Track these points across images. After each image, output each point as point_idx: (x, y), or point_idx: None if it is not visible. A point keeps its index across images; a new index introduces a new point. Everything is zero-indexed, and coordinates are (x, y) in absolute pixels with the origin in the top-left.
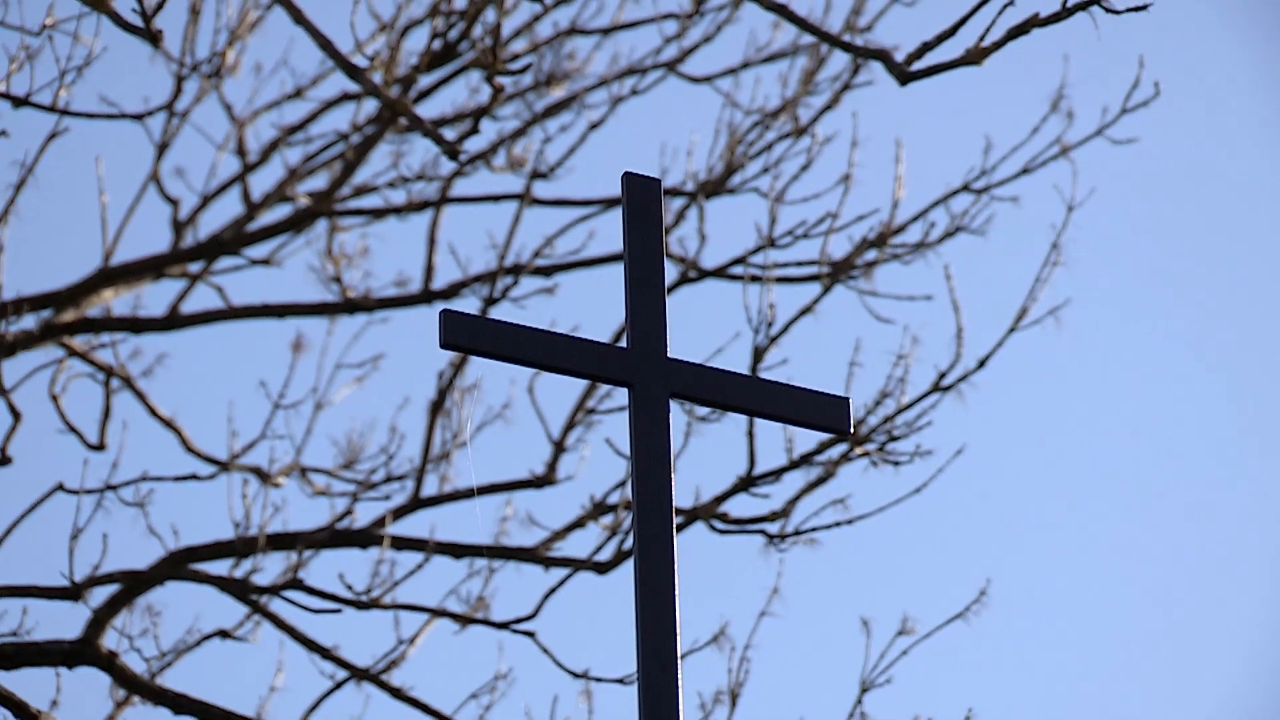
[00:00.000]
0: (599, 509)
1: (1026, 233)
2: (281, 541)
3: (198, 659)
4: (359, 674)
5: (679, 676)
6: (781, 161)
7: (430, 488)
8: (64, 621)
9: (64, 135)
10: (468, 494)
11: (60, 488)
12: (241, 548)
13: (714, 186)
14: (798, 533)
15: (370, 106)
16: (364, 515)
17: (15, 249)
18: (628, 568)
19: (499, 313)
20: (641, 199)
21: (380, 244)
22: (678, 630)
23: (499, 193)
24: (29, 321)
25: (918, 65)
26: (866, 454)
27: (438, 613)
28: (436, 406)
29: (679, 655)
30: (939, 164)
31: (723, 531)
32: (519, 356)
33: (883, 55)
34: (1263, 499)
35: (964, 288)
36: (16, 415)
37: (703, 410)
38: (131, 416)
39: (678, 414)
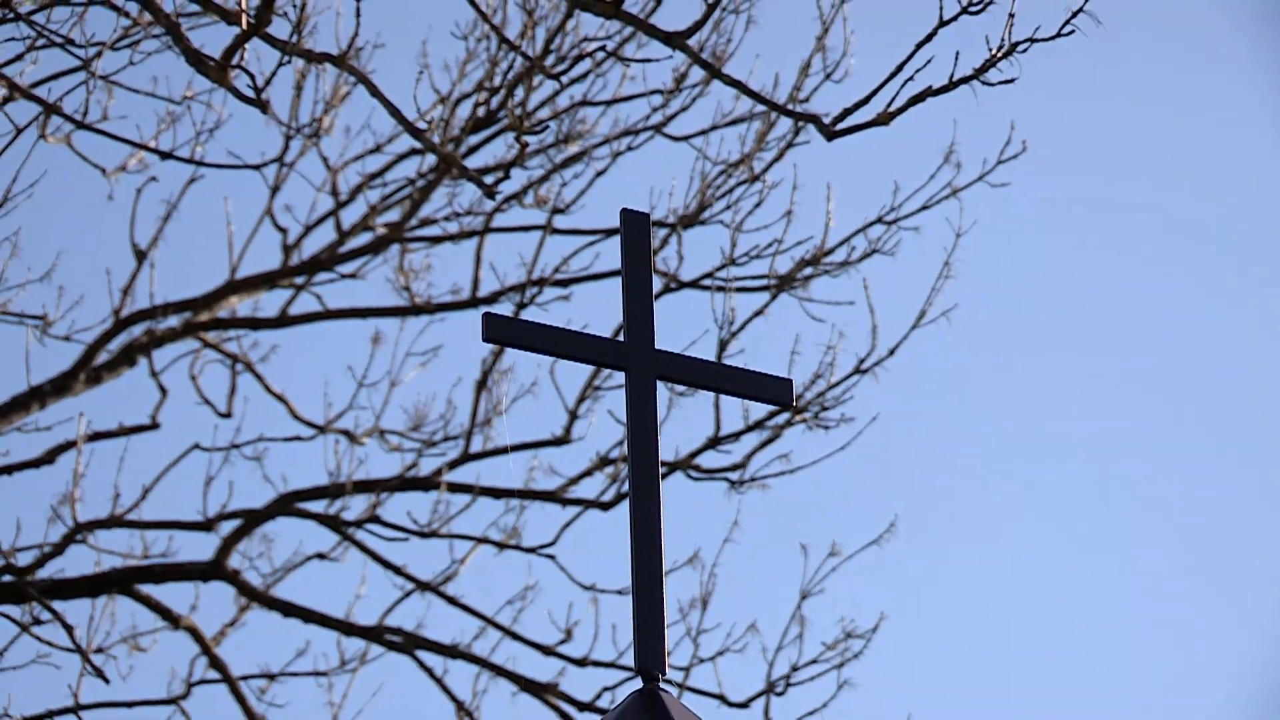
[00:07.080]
0: (603, 462)
1: (925, 254)
2: (364, 486)
3: (301, 575)
4: (422, 586)
5: (663, 588)
6: (740, 200)
7: (476, 445)
8: (200, 547)
9: (199, 180)
10: (504, 450)
11: (197, 446)
12: (334, 491)
13: (689, 219)
14: (753, 480)
15: (430, 159)
16: (426, 466)
17: (163, 266)
18: (625, 507)
19: (528, 315)
20: (635, 228)
21: (439, 262)
22: (662, 553)
23: (528, 224)
24: (174, 321)
25: (841, 126)
26: (804, 420)
27: (482, 540)
28: (481, 385)
29: (663, 572)
30: (859, 202)
31: (696, 479)
32: (543, 348)
33: (814, 119)
34: (1101, 443)
35: (878, 295)
36: (164, 391)
37: (681, 388)
38: (251, 392)
39: (663, 391)
